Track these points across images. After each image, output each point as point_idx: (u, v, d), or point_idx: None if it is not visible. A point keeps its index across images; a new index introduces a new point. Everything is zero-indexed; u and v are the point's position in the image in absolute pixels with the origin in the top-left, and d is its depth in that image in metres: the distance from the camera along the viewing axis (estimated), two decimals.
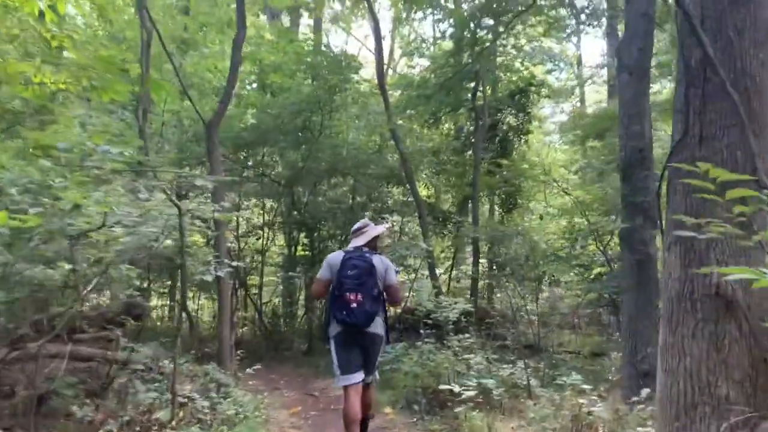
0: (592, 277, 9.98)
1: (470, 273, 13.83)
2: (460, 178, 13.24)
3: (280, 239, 13.32)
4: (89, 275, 4.26)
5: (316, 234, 11.41)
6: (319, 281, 4.67)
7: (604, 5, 19.81)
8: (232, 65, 6.87)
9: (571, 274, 10.42)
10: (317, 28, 18.84)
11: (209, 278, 5.25)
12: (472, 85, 13.60)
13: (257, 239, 12.47)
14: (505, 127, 13.87)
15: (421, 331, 6.98)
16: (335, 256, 4.64)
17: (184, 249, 4.47)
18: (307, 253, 11.99)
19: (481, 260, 12.84)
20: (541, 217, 11.33)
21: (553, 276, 10.14)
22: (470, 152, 13.89)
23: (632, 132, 5.63)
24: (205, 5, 14.38)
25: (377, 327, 4.48)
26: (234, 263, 5.97)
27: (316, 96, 10.65)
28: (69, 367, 6.69)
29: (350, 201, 11.97)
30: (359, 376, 4.43)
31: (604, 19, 20.45)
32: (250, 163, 11.93)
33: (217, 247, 6.19)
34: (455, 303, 6.87)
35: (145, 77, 7.00)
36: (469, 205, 13.37)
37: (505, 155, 13.54)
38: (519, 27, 15.80)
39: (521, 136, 13.78)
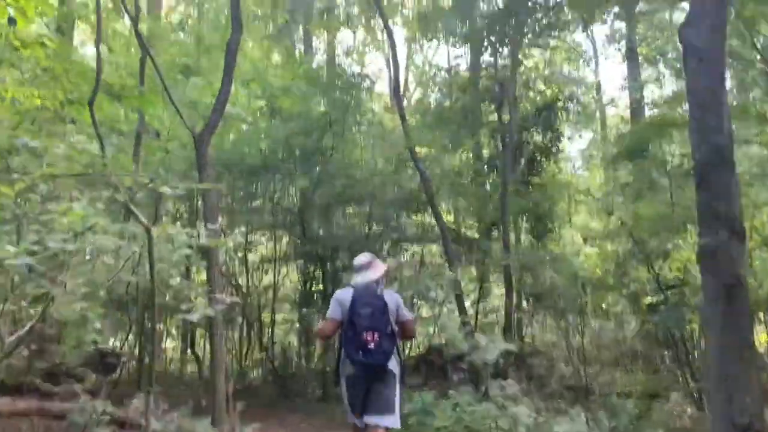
0: (643, 307, 8.80)
1: (500, 306, 12.72)
2: (484, 201, 12.18)
3: (294, 274, 12.35)
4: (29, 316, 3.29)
5: (329, 265, 10.39)
6: (331, 321, 4.29)
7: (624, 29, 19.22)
8: (225, 69, 6.01)
9: (617, 303, 9.25)
10: (330, 60, 18.16)
11: (194, 318, 4.26)
12: (493, 107, 12.81)
13: (265, 273, 11.50)
14: (531, 147, 12.88)
15: (454, 377, 5.89)
16: (344, 294, 4.34)
17: (154, 283, 3.50)
18: (320, 287, 10.98)
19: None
20: (584, 240, 10.17)
21: (601, 307, 8.97)
22: (494, 175, 12.90)
23: (708, 127, 4.60)
24: (212, 27, 13.77)
25: (392, 364, 4.25)
26: (228, 300, 4.97)
27: (326, 115, 9.80)
28: (42, 424, 5.70)
29: (366, 230, 10.98)
30: (372, 419, 4.14)
31: (623, 43, 19.77)
32: (259, 192, 11.00)
33: (209, 280, 5.21)
34: (493, 342, 5.78)
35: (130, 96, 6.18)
36: (494, 232, 12.30)
37: (533, 176, 12.54)
38: (536, 51, 15.12)
39: (550, 155, 12.77)
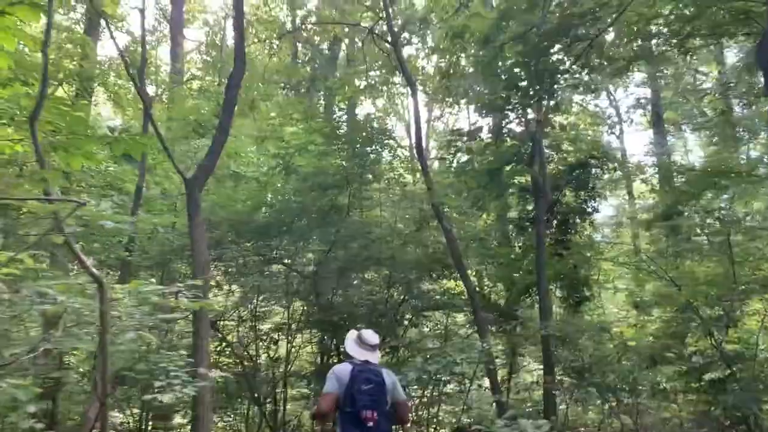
0: (702, 384, 7.61)
1: (532, 382, 11.52)
2: (514, 266, 11.19)
3: (309, 345, 11.35)
4: None
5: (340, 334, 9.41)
6: (328, 396, 4.04)
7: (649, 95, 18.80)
8: (224, 107, 5.36)
9: (672, 379, 8.05)
10: (351, 118, 17.71)
11: (167, 399, 3.38)
12: (519, 167, 12.15)
13: (275, 344, 10.55)
14: (564, 208, 12.00)
15: None
16: (343, 369, 4.17)
17: (105, 348, 2.66)
18: (335, 360, 9.98)
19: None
20: (636, 307, 9.02)
21: (655, 384, 7.79)
22: (523, 237, 11.98)
23: None
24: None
25: None
26: (215, 374, 4.09)
27: (343, 170, 9.12)
28: None
29: (386, 296, 10.06)
30: None
31: (648, 107, 19.32)
32: (271, 254, 10.15)
33: (195, 350, 4.34)
34: (539, 429, 4.72)
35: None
36: (525, 299, 11.23)
37: (567, 239, 11.59)
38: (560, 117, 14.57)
39: (585, 216, 11.85)
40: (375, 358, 4.28)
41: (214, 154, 5.04)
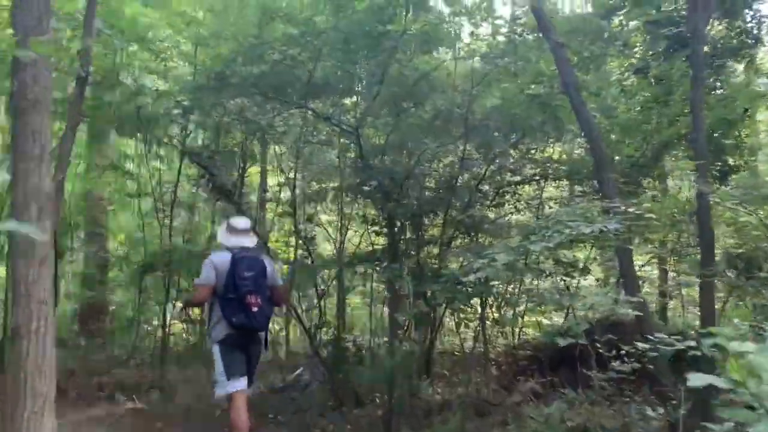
0: None
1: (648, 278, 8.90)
2: (641, 121, 7.94)
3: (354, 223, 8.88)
4: None
5: (390, 204, 6.64)
6: (205, 286, 4.21)
7: None
8: None
9: None
10: None
11: None
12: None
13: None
14: (708, 47, 8.54)
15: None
16: (221, 258, 4.24)
17: None
18: (380, 240, 7.48)
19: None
20: None
21: None
22: (654, 87, 8.62)
23: None
24: None
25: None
26: None
27: None
28: None
29: (458, 156, 7.28)
30: (244, 383, 4.20)
31: None
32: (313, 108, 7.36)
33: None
34: None
35: None
36: (661, 158, 7.96)
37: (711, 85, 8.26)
38: None
39: (741, 55, 8.42)
40: (249, 242, 4.33)
41: None
